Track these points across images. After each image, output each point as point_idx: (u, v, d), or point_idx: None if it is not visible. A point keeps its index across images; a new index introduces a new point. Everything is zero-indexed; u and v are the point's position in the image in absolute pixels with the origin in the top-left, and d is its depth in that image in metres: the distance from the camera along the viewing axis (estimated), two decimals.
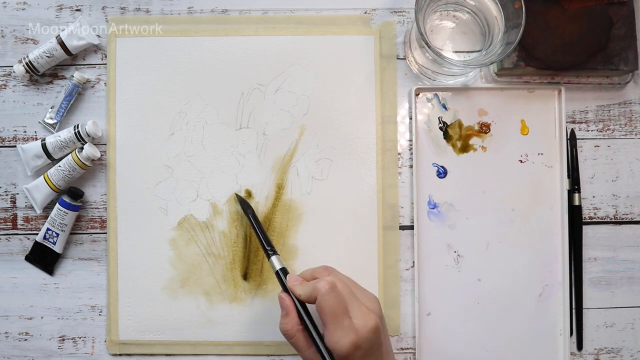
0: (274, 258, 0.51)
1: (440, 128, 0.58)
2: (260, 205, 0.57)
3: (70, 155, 0.56)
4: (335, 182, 0.57)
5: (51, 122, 0.58)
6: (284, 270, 0.50)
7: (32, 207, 0.58)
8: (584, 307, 0.57)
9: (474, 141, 0.58)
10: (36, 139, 0.58)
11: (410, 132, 0.58)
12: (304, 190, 0.57)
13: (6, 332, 0.58)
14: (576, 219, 0.57)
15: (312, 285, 0.46)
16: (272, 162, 0.57)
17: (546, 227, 0.57)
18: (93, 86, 0.59)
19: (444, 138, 0.58)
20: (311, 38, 0.58)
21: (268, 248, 0.51)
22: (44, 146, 0.56)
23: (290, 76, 0.58)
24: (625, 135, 0.58)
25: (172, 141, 0.58)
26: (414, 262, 0.57)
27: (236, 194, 0.57)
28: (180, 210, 0.57)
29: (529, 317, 0.57)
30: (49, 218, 0.56)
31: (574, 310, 0.57)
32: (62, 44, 0.57)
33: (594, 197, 0.58)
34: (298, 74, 0.58)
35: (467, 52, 0.57)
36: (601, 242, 0.58)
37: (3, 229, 0.59)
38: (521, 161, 0.58)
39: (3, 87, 0.59)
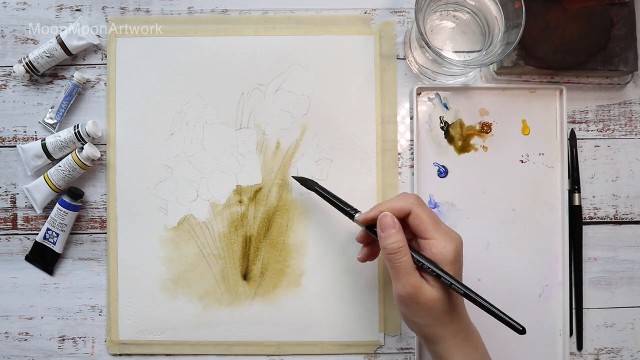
0: (357, 215, 0.49)
1: (442, 127, 0.58)
2: (260, 205, 0.57)
3: (70, 155, 0.56)
4: (335, 182, 0.57)
5: (51, 122, 0.58)
6: None
7: (32, 207, 0.58)
8: (584, 307, 0.57)
9: (475, 141, 0.58)
10: (36, 139, 0.58)
11: (411, 131, 0.58)
12: (304, 190, 0.57)
13: (6, 332, 0.58)
14: (576, 219, 0.57)
15: (400, 199, 0.46)
16: (272, 162, 0.57)
17: (546, 227, 0.57)
18: (93, 86, 0.59)
19: (445, 137, 0.58)
20: (311, 38, 0.58)
21: (348, 209, 0.50)
22: (44, 146, 0.56)
23: (290, 76, 0.58)
24: (625, 135, 0.58)
25: (172, 141, 0.58)
26: None
27: (293, 177, 0.56)
28: (180, 210, 0.57)
29: (529, 317, 0.56)
30: (49, 218, 0.56)
31: (573, 310, 0.57)
32: (62, 44, 0.56)
33: (594, 197, 0.58)
34: (298, 74, 0.58)
35: (467, 52, 0.57)
36: (601, 242, 0.58)
37: (3, 229, 0.58)
38: (522, 161, 0.57)
39: (3, 87, 0.59)
